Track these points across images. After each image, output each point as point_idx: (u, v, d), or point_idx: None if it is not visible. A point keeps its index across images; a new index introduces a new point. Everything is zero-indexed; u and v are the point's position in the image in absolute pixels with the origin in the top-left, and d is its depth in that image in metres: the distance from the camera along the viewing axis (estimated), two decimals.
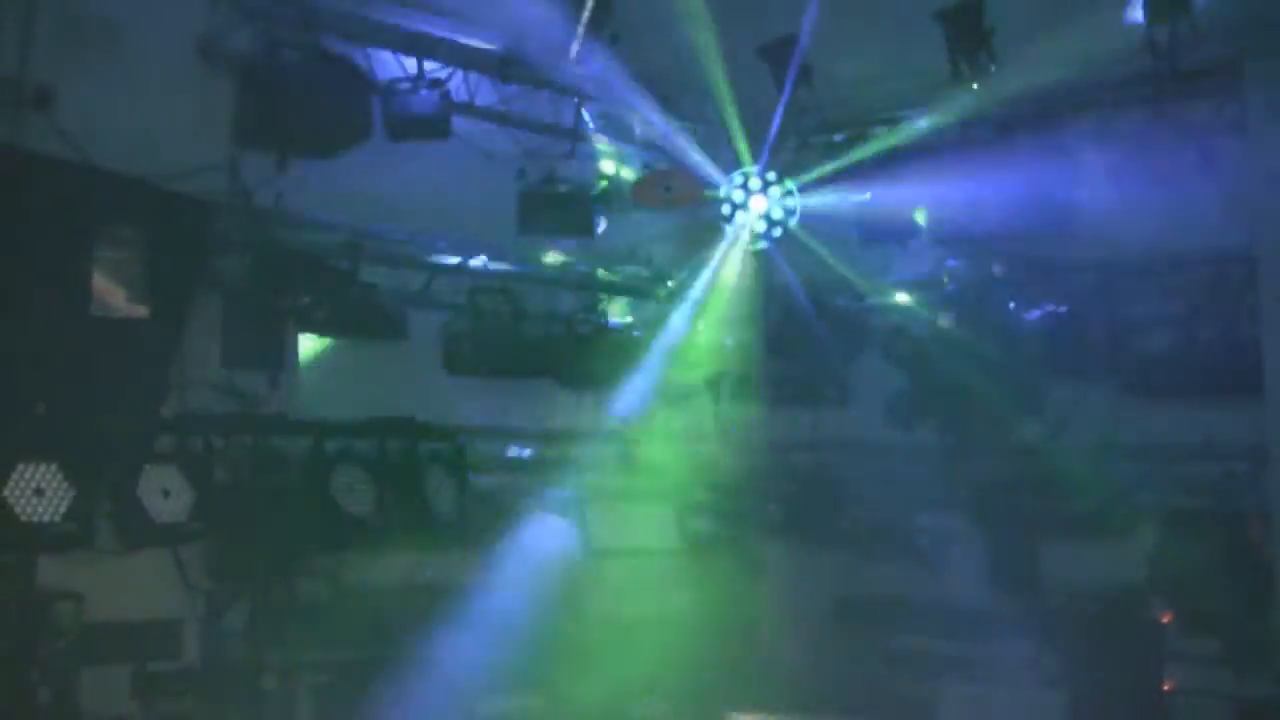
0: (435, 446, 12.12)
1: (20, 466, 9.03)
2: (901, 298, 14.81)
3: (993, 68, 12.97)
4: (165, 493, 9.72)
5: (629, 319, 15.17)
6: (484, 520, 12.47)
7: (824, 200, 14.28)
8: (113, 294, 9.59)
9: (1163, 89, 12.61)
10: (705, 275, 14.74)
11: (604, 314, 14.73)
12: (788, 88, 14.05)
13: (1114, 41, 12.37)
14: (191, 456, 10.32)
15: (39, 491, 8.99)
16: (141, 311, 9.74)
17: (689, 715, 13.58)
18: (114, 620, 10.30)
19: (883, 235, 14.41)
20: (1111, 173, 12.81)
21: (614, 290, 14.98)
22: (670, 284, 15.16)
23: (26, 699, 9.58)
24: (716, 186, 14.25)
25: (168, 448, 10.40)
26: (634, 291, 15.28)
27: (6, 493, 9.01)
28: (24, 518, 8.92)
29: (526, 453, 14.18)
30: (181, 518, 9.78)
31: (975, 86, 13.32)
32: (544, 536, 13.34)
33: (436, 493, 11.55)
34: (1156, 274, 13.05)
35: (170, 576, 10.75)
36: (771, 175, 14.19)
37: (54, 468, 9.10)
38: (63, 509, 9.11)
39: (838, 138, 14.56)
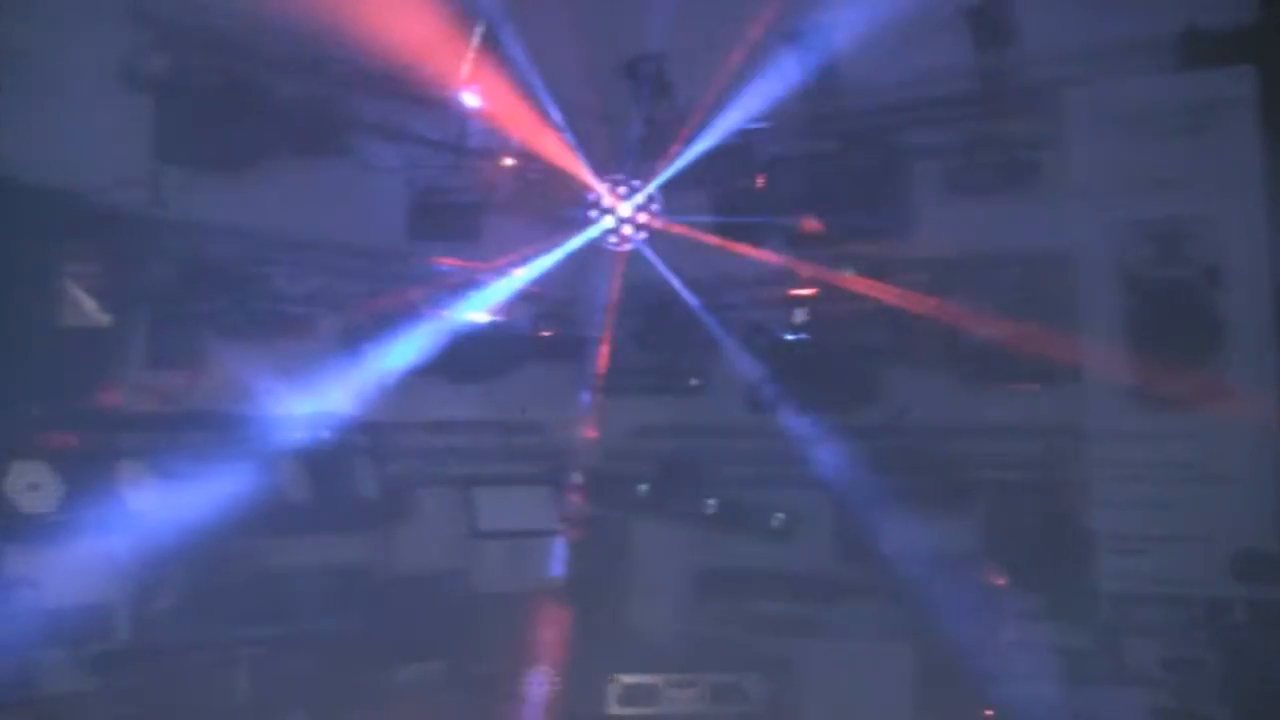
0: (356, 438, 13.00)
1: (16, 464, 9.75)
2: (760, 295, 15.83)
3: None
4: (137, 486, 10.41)
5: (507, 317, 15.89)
6: (390, 505, 13.35)
7: (686, 204, 15.58)
8: (83, 304, 10.32)
9: (990, 108, 14.00)
10: (575, 274, 15.84)
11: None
12: (646, 100, 15.18)
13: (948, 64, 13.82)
14: (158, 453, 11.01)
15: (34, 486, 9.69)
16: (105, 320, 10.50)
17: (574, 679, 14.58)
18: (59, 605, 11.06)
19: (740, 236, 15.48)
20: (944, 181, 14.19)
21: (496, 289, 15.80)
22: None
23: None
24: (587, 192, 15.40)
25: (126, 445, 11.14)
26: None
27: (6, 486, 9.73)
28: (24, 510, 9.61)
29: (422, 442, 14.84)
30: (150, 509, 10.50)
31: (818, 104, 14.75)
32: (436, 519, 14.39)
33: (364, 480, 12.32)
34: (985, 273, 14.24)
35: (103, 565, 11.48)
36: (636, 182, 15.42)
37: (44, 465, 9.80)
38: (54, 503, 9.81)
39: (698, 148, 15.33)
